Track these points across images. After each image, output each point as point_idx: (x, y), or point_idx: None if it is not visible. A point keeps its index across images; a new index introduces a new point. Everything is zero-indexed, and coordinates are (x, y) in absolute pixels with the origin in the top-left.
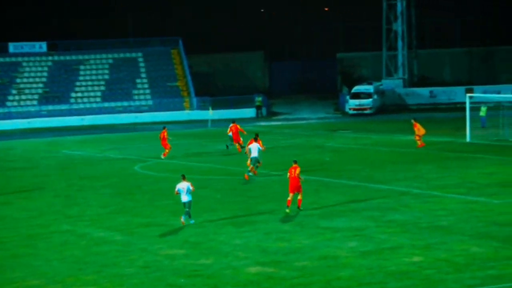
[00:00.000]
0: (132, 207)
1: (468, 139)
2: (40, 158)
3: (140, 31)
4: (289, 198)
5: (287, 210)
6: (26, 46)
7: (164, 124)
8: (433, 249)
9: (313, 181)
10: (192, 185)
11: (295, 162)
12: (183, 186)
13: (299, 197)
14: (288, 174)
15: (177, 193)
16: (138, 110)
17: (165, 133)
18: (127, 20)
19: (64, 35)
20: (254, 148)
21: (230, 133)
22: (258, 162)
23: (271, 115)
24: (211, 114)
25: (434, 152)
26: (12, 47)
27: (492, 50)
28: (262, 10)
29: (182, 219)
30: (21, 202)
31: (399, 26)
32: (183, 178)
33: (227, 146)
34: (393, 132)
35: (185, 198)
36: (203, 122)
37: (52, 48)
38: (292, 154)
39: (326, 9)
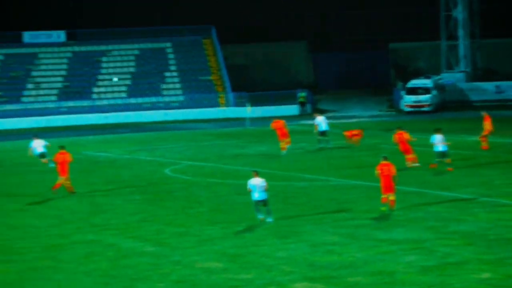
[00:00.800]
0: (163, 215)
1: None
2: None
3: (169, 19)
4: (383, 196)
5: (383, 208)
6: (43, 36)
7: (195, 122)
8: (503, 265)
9: (365, 187)
10: (266, 181)
11: (385, 158)
12: (256, 182)
13: (392, 197)
14: (379, 172)
15: (250, 190)
16: (168, 106)
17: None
18: (154, 6)
19: (84, 23)
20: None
21: (319, 128)
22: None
23: (316, 112)
24: (249, 111)
25: (502, 155)
26: (27, 36)
27: None
28: None
29: (259, 216)
30: (41, 209)
31: (459, 13)
32: (256, 174)
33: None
34: (455, 131)
35: (257, 195)
36: (240, 120)
37: (71, 38)
38: (340, 157)
39: None
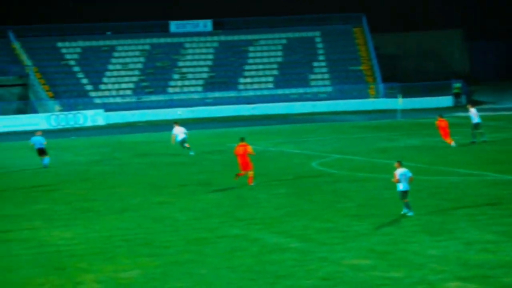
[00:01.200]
0: (309, 210)
1: None
2: (204, 152)
3: (317, 7)
4: None
5: None
6: (189, 25)
7: (344, 114)
8: None
9: None
10: (410, 172)
11: None
12: (402, 171)
13: None
14: None
15: (397, 181)
16: (316, 97)
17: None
18: None
19: (231, 11)
20: None
21: (472, 121)
22: None
23: (471, 104)
24: (400, 103)
25: None
26: (173, 26)
27: None
28: None
29: (404, 211)
30: (184, 201)
31: None
32: (399, 164)
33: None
34: None
35: (401, 186)
36: (390, 112)
37: (218, 27)
38: (496, 151)
39: None
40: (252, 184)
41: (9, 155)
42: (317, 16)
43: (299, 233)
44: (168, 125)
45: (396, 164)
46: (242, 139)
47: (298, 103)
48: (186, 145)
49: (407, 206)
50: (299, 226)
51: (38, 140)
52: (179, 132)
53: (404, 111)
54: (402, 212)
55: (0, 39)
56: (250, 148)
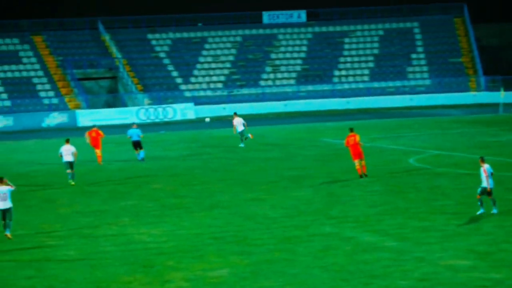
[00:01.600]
0: (405, 208)
1: None
2: (297, 148)
3: None
4: None
5: None
6: (283, 16)
7: (443, 108)
8: None
9: None
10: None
11: None
12: (487, 167)
13: None
14: None
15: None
16: (414, 91)
17: None
18: None
19: (326, 2)
20: None
21: None
22: None
23: None
24: (502, 96)
25: None
26: (266, 16)
27: None
28: None
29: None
30: (275, 198)
31: None
32: (482, 160)
33: None
34: None
35: (485, 183)
36: (492, 107)
37: (312, 18)
38: None
39: None
40: (365, 173)
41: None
42: (416, 6)
43: (394, 231)
44: (261, 119)
45: (480, 161)
46: (351, 129)
47: (394, 97)
48: (250, 135)
49: (493, 203)
50: (394, 225)
51: (135, 132)
52: (238, 123)
53: (507, 105)
54: (477, 213)
55: (89, 30)
56: (359, 138)
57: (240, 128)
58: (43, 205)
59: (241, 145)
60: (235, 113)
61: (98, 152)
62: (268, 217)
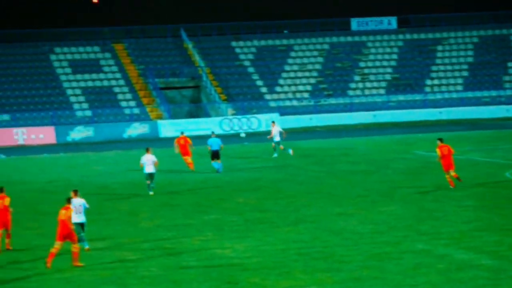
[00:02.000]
0: (502, 224)
1: None
2: (387, 160)
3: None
4: None
5: None
6: (372, 22)
7: None
8: None
9: None
10: None
11: None
12: None
13: None
14: None
15: None
16: (510, 101)
17: None
18: None
19: (417, 8)
20: None
21: None
22: None
23: None
24: None
25: None
26: (355, 23)
27: None
28: None
29: None
30: (363, 213)
31: None
32: None
33: None
34: None
35: None
36: None
37: (403, 24)
38: None
39: None
40: (457, 177)
41: (177, 160)
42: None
43: (490, 249)
44: (349, 130)
45: None
46: (441, 140)
47: (490, 107)
48: (280, 147)
49: None
50: (490, 242)
51: (216, 142)
52: (276, 132)
53: None
54: None
55: (172, 38)
56: (451, 148)
57: (277, 138)
58: (124, 218)
59: (275, 155)
60: (273, 122)
61: (188, 159)
62: (356, 232)
